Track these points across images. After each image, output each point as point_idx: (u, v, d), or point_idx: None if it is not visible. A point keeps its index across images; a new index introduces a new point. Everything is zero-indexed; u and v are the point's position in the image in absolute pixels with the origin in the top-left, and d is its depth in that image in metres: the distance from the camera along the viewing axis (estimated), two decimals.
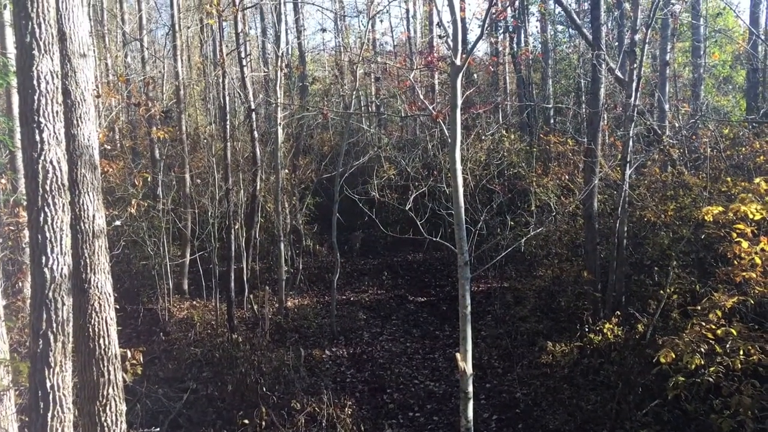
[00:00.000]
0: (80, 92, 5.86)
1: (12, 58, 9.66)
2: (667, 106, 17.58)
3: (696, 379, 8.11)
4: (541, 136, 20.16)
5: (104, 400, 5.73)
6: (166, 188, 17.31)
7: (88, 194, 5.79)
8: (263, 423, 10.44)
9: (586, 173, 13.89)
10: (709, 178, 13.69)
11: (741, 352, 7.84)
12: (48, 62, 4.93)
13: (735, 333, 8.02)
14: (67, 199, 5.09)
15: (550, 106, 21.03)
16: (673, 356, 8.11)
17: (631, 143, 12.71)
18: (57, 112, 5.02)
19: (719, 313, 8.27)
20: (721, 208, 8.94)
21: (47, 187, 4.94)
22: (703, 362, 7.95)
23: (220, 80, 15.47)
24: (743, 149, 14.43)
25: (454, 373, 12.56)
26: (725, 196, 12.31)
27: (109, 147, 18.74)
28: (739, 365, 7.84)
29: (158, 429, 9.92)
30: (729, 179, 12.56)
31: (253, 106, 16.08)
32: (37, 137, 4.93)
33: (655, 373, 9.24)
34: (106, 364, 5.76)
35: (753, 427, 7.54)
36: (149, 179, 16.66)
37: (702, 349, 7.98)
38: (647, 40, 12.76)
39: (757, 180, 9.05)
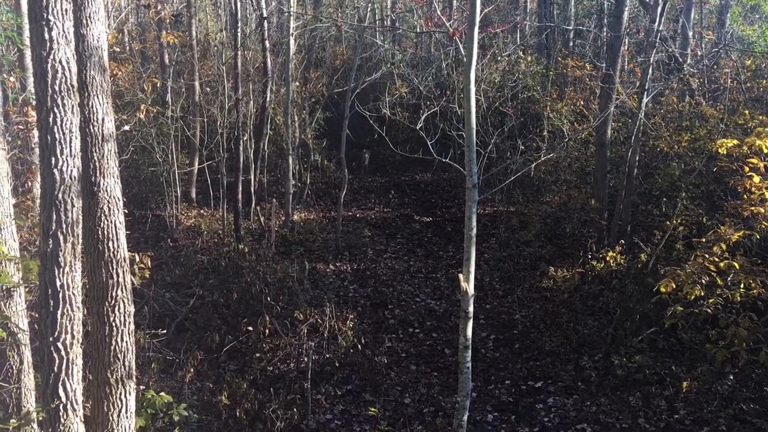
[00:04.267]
0: None
1: None
2: (690, 33, 17.05)
3: (694, 309, 8.23)
4: (559, 59, 19.68)
5: (113, 301, 5.84)
6: (175, 95, 17.11)
7: (98, 97, 5.70)
8: (267, 331, 10.72)
9: (602, 100, 13.64)
10: (726, 109, 13.46)
11: (742, 286, 7.91)
12: None
13: (737, 266, 8.07)
14: (76, 101, 5.02)
15: (571, 28, 20.41)
16: (674, 286, 8.19)
17: (650, 70, 12.42)
18: (66, 10, 4.88)
19: (723, 246, 8.30)
20: (736, 141, 8.82)
21: (56, 88, 4.87)
22: (702, 293, 8.03)
23: None
24: (764, 82, 14.11)
25: (455, 292, 12.77)
26: (741, 129, 12.13)
27: (118, 49, 18.43)
28: (739, 298, 7.93)
29: (165, 331, 10.20)
30: (747, 112, 12.35)
31: (265, 14, 15.66)
32: (46, 35, 4.81)
33: (654, 302, 9.36)
34: (115, 267, 5.83)
35: (746, 358, 7.69)
36: (158, 85, 16.45)
37: (703, 281, 8.05)
38: None
39: None
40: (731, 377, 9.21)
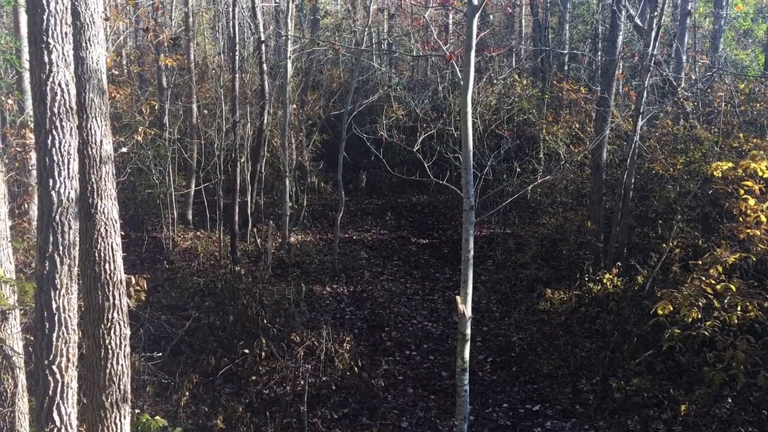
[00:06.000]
0: (90, 14, 5.74)
1: None
2: (684, 57, 17.23)
3: (692, 331, 8.22)
4: (554, 82, 19.85)
5: (109, 324, 5.82)
6: (172, 117, 17.18)
7: (96, 119, 5.74)
8: (263, 353, 10.65)
9: (597, 122, 13.72)
10: (721, 132, 13.55)
11: (739, 308, 7.92)
12: None
13: (734, 289, 8.08)
14: (75, 123, 5.05)
15: (566, 52, 20.62)
16: (671, 309, 8.20)
17: (645, 94, 12.52)
18: (66, 33, 4.93)
19: (720, 269, 8.33)
20: (730, 164, 8.88)
21: (55, 110, 4.90)
22: (700, 316, 8.03)
23: (230, 9, 15.16)
24: (758, 105, 14.24)
25: (452, 314, 12.73)
26: (736, 151, 12.21)
27: (116, 72, 18.52)
28: (736, 320, 7.93)
29: (160, 354, 10.12)
30: (741, 135, 12.44)
31: (263, 38, 15.79)
32: (46, 58, 4.85)
33: (651, 325, 9.35)
34: (111, 289, 5.83)
35: (744, 381, 7.67)
36: (156, 107, 16.52)
37: (700, 303, 8.06)
38: None
39: None
40: (729, 400, 9.16)
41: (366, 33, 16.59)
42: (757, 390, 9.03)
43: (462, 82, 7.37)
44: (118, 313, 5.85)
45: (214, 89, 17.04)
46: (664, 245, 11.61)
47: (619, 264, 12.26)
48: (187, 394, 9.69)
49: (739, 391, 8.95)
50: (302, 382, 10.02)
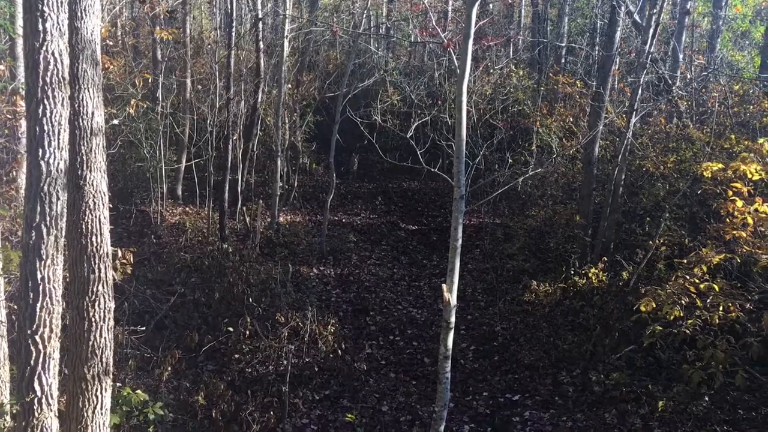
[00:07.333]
0: None
1: None
2: (681, 56, 17.26)
3: (673, 329, 8.30)
4: (551, 75, 19.83)
5: (93, 296, 5.80)
6: (166, 91, 17.04)
7: (89, 90, 5.68)
8: (247, 332, 10.66)
9: (591, 117, 13.76)
10: (713, 133, 13.61)
11: (720, 308, 7.99)
12: None
13: (717, 289, 8.15)
14: (67, 93, 5.00)
15: (563, 45, 20.59)
16: (654, 306, 8.27)
17: (640, 91, 12.54)
18: (62, 2, 4.87)
19: (704, 268, 8.39)
20: (721, 165, 8.91)
21: (47, 79, 4.85)
22: (682, 314, 8.11)
23: None
24: (751, 107, 14.31)
25: (437, 302, 12.78)
26: (727, 153, 12.28)
27: (110, 43, 18.31)
28: (717, 320, 8.01)
29: (144, 328, 10.12)
30: (733, 136, 12.50)
31: (260, 15, 15.66)
32: (40, 26, 4.79)
33: (633, 320, 9.42)
34: (97, 261, 5.80)
35: (722, 380, 7.77)
36: (150, 80, 16.38)
37: (682, 302, 8.13)
38: None
39: (760, 140, 9.00)
40: (707, 398, 9.28)
41: (364, 16, 16.50)
42: (734, 389, 9.15)
43: (458, 70, 7.35)
44: (103, 285, 5.84)
45: (209, 65, 16.92)
46: (650, 242, 11.69)
47: (605, 259, 12.34)
48: (170, 369, 9.70)
49: (716, 389, 9.07)
50: (285, 362, 10.06)
